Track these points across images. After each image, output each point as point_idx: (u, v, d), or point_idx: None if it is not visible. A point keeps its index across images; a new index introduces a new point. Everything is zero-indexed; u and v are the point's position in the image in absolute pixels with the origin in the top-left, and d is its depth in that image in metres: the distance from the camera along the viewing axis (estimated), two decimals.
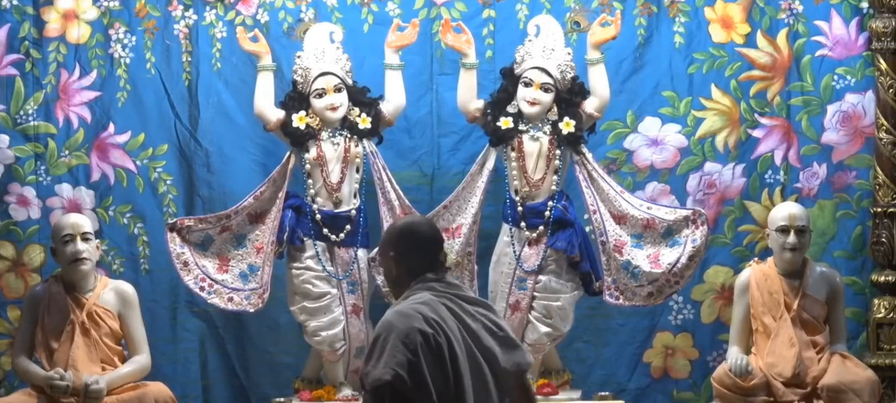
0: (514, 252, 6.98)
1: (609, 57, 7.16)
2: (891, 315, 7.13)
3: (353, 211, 7.00)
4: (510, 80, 7.02)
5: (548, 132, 6.97)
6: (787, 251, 6.85)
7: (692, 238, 6.90)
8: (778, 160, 7.39)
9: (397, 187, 7.04)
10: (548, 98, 6.95)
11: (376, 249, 6.99)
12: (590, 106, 7.02)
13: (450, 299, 4.66)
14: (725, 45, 7.38)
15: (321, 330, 6.96)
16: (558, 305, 6.97)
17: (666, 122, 7.40)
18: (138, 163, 7.40)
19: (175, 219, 7.08)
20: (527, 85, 6.95)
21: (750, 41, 7.38)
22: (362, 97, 7.06)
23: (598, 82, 7.03)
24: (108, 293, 6.84)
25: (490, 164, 7.03)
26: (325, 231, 6.97)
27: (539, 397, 6.92)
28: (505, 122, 6.96)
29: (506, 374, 4.60)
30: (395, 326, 4.52)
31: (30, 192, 7.38)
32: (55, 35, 7.38)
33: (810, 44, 7.38)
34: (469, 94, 7.06)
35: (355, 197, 7.03)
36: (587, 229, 7.06)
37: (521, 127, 6.98)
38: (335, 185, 6.98)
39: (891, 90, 7.14)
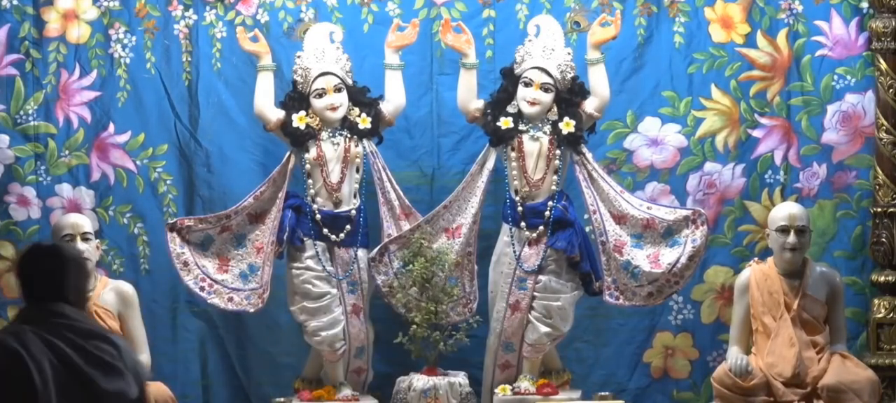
0: (514, 252, 6.98)
1: (609, 57, 7.17)
2: (891, 315, 7.13)
3: (353, 212, 7.00)
4: (510, 80, 7.02)
5: (548, 132, 6.97)
6: (787, 251, 6.85)
7: (692, 238, 6.90)
8: (778, 160, 7.39)
9: (397, 187, 7.05)
10: (548, 98, 6.95)
11: (375, 251, 7.01)
12: (590, 106, 7.02)
13: (48, 329, 4.48)
14: (725, 45, 7.38)
15: (321, 330, 6.96)
16: (558, 305, 6.97)
17: (666, 122, 7.40)
18: (138, 163, 7.40)
19: (175, 219, 7.08)
20: (527, 85, 6.95)
21: (750, 41, 7.38)
22: (362, 97, 7.06)
23: (598, 82, 7.03)
24: (108, 293, 6.85)
25: (490, 164, 7.03)
26: (325, 231, 6.97)
27: (539, 397, 6.94)
28: (505, 122, 6.96)
29: (109, 399, 4.46)
30: None
31: (30, 192, 7.38)
32: (55, 35, 7.38)
33: (810, 44, 7.38)
34: (469, 94, 7.06)
35: (355, 197, 7.03)
36: (587, 229, 7.06)
37: (521, 127, 6.98)
38: (335, 185, 6.98)
39: (891, 90, 7.14)
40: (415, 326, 6.88)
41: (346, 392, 7.02)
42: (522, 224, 6.97)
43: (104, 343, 4.50)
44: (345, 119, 7.01)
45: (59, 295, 4.53)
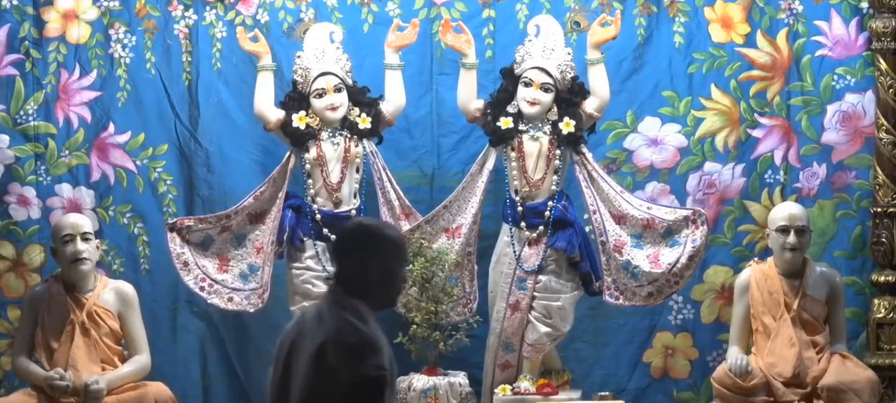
0: (514, 252, 6.98)
1: (609, 57, 7.17)
2: (891, 315, 7.13)
3: (353, 211, 7.00)
4: (510, 80, 7.02)
5: (548, 132, 6.97)
6: (787, 251, 6.85)
7: (692, 238, 6.90)
8: (778, 160, 7.39)
9: (397, 187, 7.05)
10: (548, 98, 6.95)
11: None
12: (590, 106, 7.03)
13: (314, 309, 4.53)
14: (725, 44, 7.38)
15: None
16: (558, 305, 6.97)
17: (666, 122, 7.40)
18: (138, 163, 7.40)
19: (175, 219, 7.08)
20: (527, 85, 6.95)
21: (750, 41, 7.38)
22: (362, 97, 7.06)
23: (598, 82, 7.03)
24: (108, 293, 6.84)
25: (490, 164, 7.03)
26: (326, 231, 6.97)
27: (539, 397, 6.94)
28: (505, 122, 6.96)
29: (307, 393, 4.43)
30: None
31: (30, 192, 7.38)
32: (55, 35, 7.38)
33: (810, 44, 7.38)
34: (469, 94, 7.07)
35: (355, 197, 7.03)
36: (587, 229, 7.06)
37: (521, 127, 6.98)
38: (335, 185, 6.98)
39: (891, 90, 7.14)
40: (415, 326, 6.88)
41: None
42: (522, 224, 6.97)
43: (321, 332, 4.40)
44: (345, 119, 7.02)
45: (344, 274, 4.47)
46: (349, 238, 4.48)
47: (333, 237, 4.57)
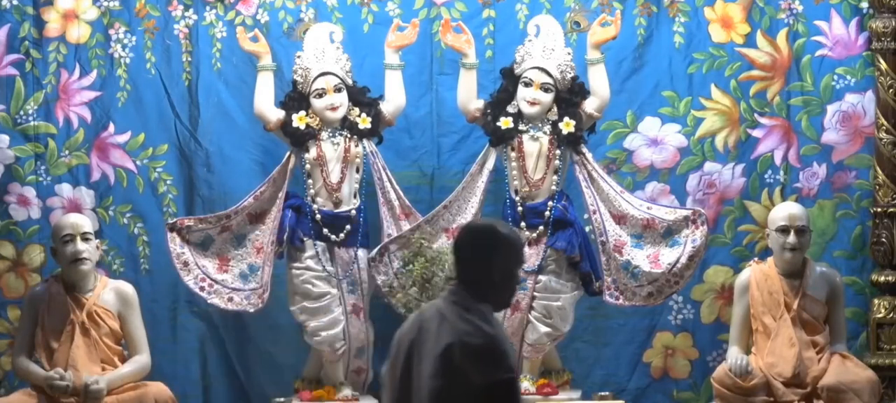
0: None
1: (609, 57, 7.17)
2: (891, 315, 7.14)
3: (353, 211, 7.00)
4: (510, 80, 7.02)
5: (548, 132, 6.97)
6: (787, 251, 6.85)
7: (692, 238, 6.91)
8: (778, 160, 7.39)
9: (397, 187, 7.05)
10: (548, 98, 6.95)
11: (375, 251, 7.01)
12: (590, 106, 7.03)
13: (433, 309, 4.59)
14: (725, 44, 7.39)
15: (321, 330, 6.96)
16: (558, 305, 6.97)
17: (666, 122, 7.40)
18: (138, 163, 7.40)
19: (175, 219, 7.08)
20: (527, 85, 6.95)
21: (750, 41, 7.38)
22: (362, 97, 7.06)
23: (598, 82, 7.03)
24: (108, 293, 6.84)
25: (490, 164, 7.03)
26: (325, 231, 6.97)
27: (539, 397, 6.94)
28: (505, 122, 6.96)
29: (424, 395, 4.49)
30: None
31: (30, 192, 7.38)
32: (55, 35, 7.38)
33: (810, 44, 7.38)
34: (469, 94, 7.07)
35: (355, 197, 7.03)
36: (587, 229, 7.06)
37: (521, 127, 6.98)
38: (335, 185, 6.98)
39: (891, 90, 7.14)
40: None
41: (346, 392, 7.02)
42: (522, 224, 6.97)
43: (450, 331, 4.47)
44: (345, 119, 7.01)
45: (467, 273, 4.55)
46: (474, 240, 4.56)
47: (454, 239, 4.62)
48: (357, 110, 7.03)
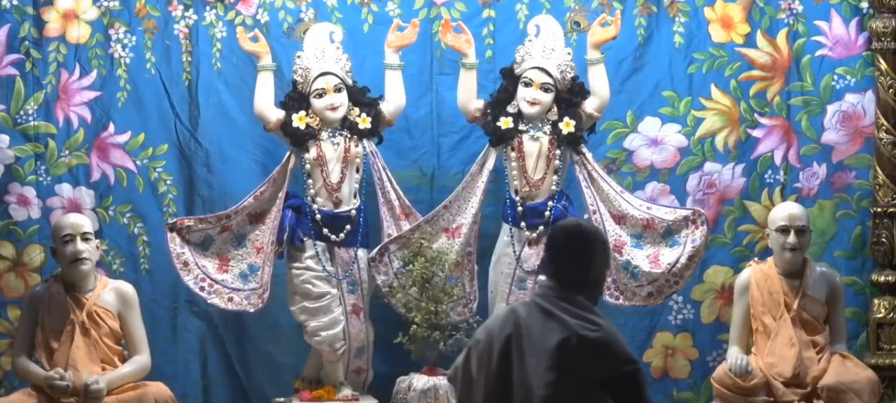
0: (514, 252, 6.99)
1: (609, 57, 7.17)
2: (891, 315, 7.14)
3: (353, 211, 7.00)
4: (510, 80, 7.02)
5: (548, 132, 6.97)
6: (787, 251, 6.85)
7: (692, 238, 6.91)
8: (778, 160, 7.39)
9: (397, 187, 7.05)
10: (548, 98, 6.95)
11: (375, 251, 7.02)
12: (590, 106, 7.03)
13: (529, 307, 4.70)
14: (725, 45, 7.39)
15: (321, 330, 6.96)
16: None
17: (666, 122, 7.40)
18: (138, 163, 7.40)
19: (175, 219, 7.08)
20: (527, 85, 6.95)
21: (750, 41, 7.38)
22: (362, 97, 7.06)
23: (598, 82, 7.03)
24: (108, 293, 6.84)
25: (490, 164, 7.04)
26: (325, 231, 6.97)
27: None
28: (505, 122, 6.96)
29: (536, 394, 4.56)
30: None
31: (30, 192, 7.37)
32: (55, 35, 7.38)
33: (810, 44, 7.38)
34: (469, 94, 7.07)
35: (355, 197, 7.03)
36: None
37: (521, 127, 6.98)
38: (335, 185, 6.98)
39: (891, 90, 7.14)
40: (415, 326, 6.88)
41: (346, 392, 7.02)
42: (522, 224, 6.98)
43: (561, 326, 4.54)
44: (345, 119, 7.02)
45: (565, 272, 4.66)
46: (573, 241, 4.67)
47: (548, 237, 4.74)
48: (357, 110, 7.04)
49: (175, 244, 6.97)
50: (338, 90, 6.99)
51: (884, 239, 7.15)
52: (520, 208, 6.98)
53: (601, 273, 4.73)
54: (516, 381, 4.55)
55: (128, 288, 6.92)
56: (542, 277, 4.67)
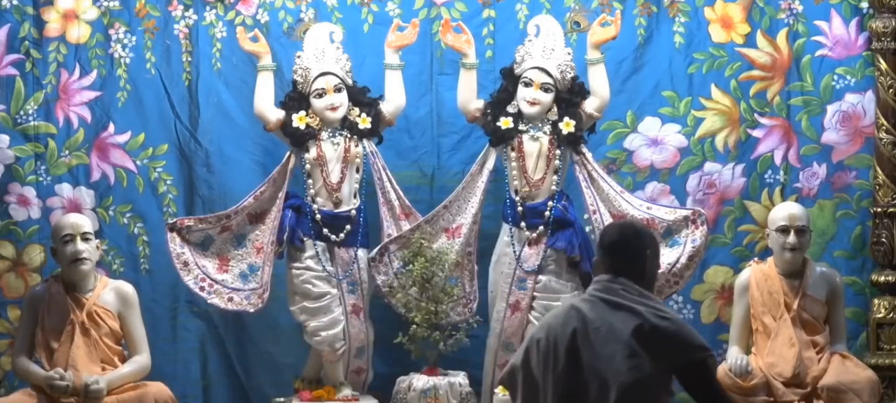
0: (514, 252, 6.98)
1: (609, 57, 7.17)
2: (891, 315, 7.14)
3: (353, 211, 7.00)
4: (510, 80, 7.02)
5: (548, 132, 6.97)
6: (787, 251, 6.85)
7: (692, 238, 6.91)
8: (778, 160, 7.39)
9: (397, 187, 7.05)
10: (548, 98, 6.95)
11: (375, 251, 7.02)
12: (590, 106, 7.03)
13: (591, 302, 4.79)
14: (725, 45, 7.39)
15: (321, 330, 6.96)
16: (558, 305, 6.97)
17: (666, 122, 7.40)
18: (138, 163, 7.40)
19: (175, 219, 7.08)
20: (527, 85, 6.95)
21: (750, 41, 7.38)
22: (362, 97, 7.06)
23: (598, 82, 7.03)
24: (108, 293, 6.84)
25: (490, 164, 7.04)
26: (325, 231, 6.97)
27: None
28: (505, 122, 6.96)
29: (615, 379, 4.66)
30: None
31: (30, 192, 7.38)
32: (55, 35, 7.38)
33: (810, 44, 7.38)
34: (469, 94, 7.07)
35: (355, 197, 7.03)
36: (587, 229, 7.06)
37: (521, 127, 6.98)
38: (335, 185, 6.98)
39: (891, 90, 7.14)
40: (415, 326, 6.88)
41: (346, 392, 7.03)
42: (522, 224, 6.97)
43: (631, 316, 4.69)
44: (345, 119, 7.02)
45: (624, 269, 4.82)
46: (631, 240, 4.85)
47: (605, 237, 4.89)
48: (357, 110, 7.04)
49: (175, 244, 6.97)
50: (338, 90, 6.99)
51: (884, 239, 7.15)
52: (520, 208, 6.98)
53: (656, 267, 4.92)
54: (589, 374, 4.65)
55: (128, 288, 6.92)
56: (601, 275, 4.81)
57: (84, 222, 6.86)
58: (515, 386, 4.84)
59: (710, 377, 4.74)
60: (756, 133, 7.40)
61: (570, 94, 7.00)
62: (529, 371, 4.77)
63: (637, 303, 4.73)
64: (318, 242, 6.98)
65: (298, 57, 7.05)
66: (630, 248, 4.84)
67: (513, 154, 6.98)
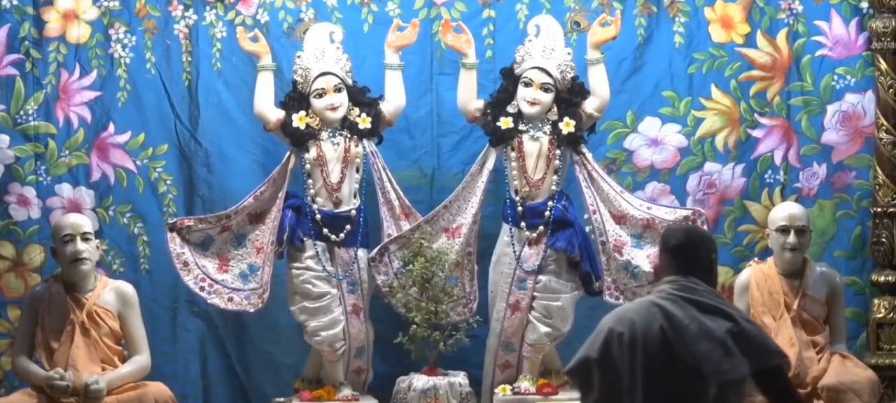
0: (514, 252, 6.98)
1: (609, 57, 7.17)
2: (891, 315, 7.14)
3: (353, 211, 7.00)
4: (510, 80, 7.02)
5: (548, 132, 6.97)
6: (787, 251, 6.85)
7: None
8: (778, 160, 7.39)
9: (397, 187, 7.05)
10: (548, 98, 6.95)
11: (375, 251, 7.02)
12: (590, 106, 7.03)
13: (673, 300, 4.85)
14: (725, 45, 7.39)
15: (321, 330, 6.96)
16: (558, 305, 6.97)
17: (666, 122, 7.40)
18: (138, 163, 7.40)
19: (175, 219, 7.08)
20: (527, 85, 6.95)
21: (750, 41, 7.38)
22: (362, 97, 7.06)
23: (598, 82, 7.03)
24: (108, 293, 6.84)
25: (490, 164, 7.04)
26: (325, 231, 6.97)
27: (539, 397, 6.94)
28: (505, 122, 6.96)
29: (715, 379, 4.76)
30: (601, 323, 4.94)
31: (30, 192, 7.38)
32: (55, 35, 7.38)
33: (810, 44, 7.38)
34: (469, 94, 7.07)
35: (355, 197, 7.03)
36: (587, 229, 7.06)
37: (521, 127, 6.98)
38: (335, 185, 6.98)
39: (891, 90, 7.14)
40: (415, 326, 6.88)
41: (346, 392, 7.03)
42: (522, 224, 6.97)
43: (721, 318, 4.81)
44: (345, 119, 7.02)
45: (693, 270, 4.92)
46: (699, 242, 4.99)
47: (671, 240, 5.03)
48: (357, 110, 7.04)
49: (175, 244, 6.97)
50: (338, 90, 6.99)
51: (884, 239, 7.15)
52: (520, 208, 6.98)
53: (716, 271, 5.04)
54: (686, 370, 4.74)
55: (128, 288, 6.92)
56: (672, 275, 4.91)
57: (84, 222, 6.86)
58: (590, 378, 4.88)
59: (788, 383, 4.89)
60: (756, 133, 7.40)
61: (570, 94, 7.00)
62: (611, 363, 4.81)
63: (722, 304, 4.88)
64: (318, 242, 6.98)
65: (298, 57, 7.05)
66: (698, 249, 4.96)
67: (513, 154, 6.98)
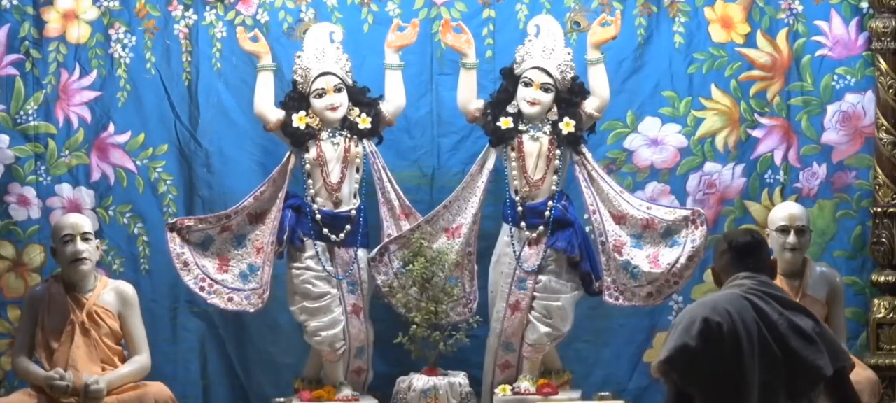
0: (514, 252, 6.98)
1: (609, 57, 7.17)
2: (891, 315, 7.14)
3: (353, 211, 7.00)
4: (510, 80, 7.02)
5: (548, 132, 6.97)
6: (787, 251, 6.85)
7: (691, 238, 6.90)
8: (778, 160, 7.39)
9: (397, 187, 7.05)
10: (548, 98, 6.95)
11: (375, 251, 7.02)
12: (590, 106, 7.03)
13: (758, 296, 4.92)
14: (725, 45, 7.39)
15: (321, 330, 6.97)
16: (558, 305, 6.97)
17: (666, 122, 7.40)
18: (138, 163, 7.40)
19: (175, 219, 7.08)
20: (527, 85, 6.96)
21: (750, 41, 7.38)
22: (362, 97, 7.06)
23: (598, 82, 7.03)
24: (108, 293, 6.84)
25: (490, 164, 7.04)
26: (325, 231, 6.97)
27: (539, 397, 6.94)
28: (505, 122, 6.96)
29: (807, 374, 4.86)
30: (688, 313, 4.92)
31: (30, 192, 7.38)
32: (55, 35, 7.38)
33: (810, 44, 7.38)
34: (469, 94, 7.07)
35: (355, 197, 7.03)
36: (587, 229, 7.06)
37: (521, 127, 6.98)
38: (335, 185, 6.98)
39: (891, 90, 7.14)
40: (415, 326, 6.88)
41: (346, 392, 7.03)
42: (522, 224, 6.97)
43: (804, 317, 4.94)
44: (345, 119, 7.02)
45: (761, 269, 5.05)
46: (763, 243, 5.15)
47: (736, 241, 5.14)
48: (357, 110, 7.04)
49: (175, 244, 6.97)
50: (338, 90, 6.99)
51: (884, 239, 7.15)
52: (520, 208, 6.98)
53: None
54: (779, 363, 4.82)
55: (128, 288, 6.92)
56: (740, 273, 5.01)
57: (84, 222, 6.87)
58: (690, 367, 4.83)
59: (851, 385, 4.98)
60: (756, 133, 7.40)
61: (570, 94, 7.00)
62: (712, 352, 4.81)
63: (797, 304, 5.02)
64: (318, 242, 6.98)
65: (298, 57, 7.05)
66: (763, 249, 5.09)
67: (513, 154, 6.98)
